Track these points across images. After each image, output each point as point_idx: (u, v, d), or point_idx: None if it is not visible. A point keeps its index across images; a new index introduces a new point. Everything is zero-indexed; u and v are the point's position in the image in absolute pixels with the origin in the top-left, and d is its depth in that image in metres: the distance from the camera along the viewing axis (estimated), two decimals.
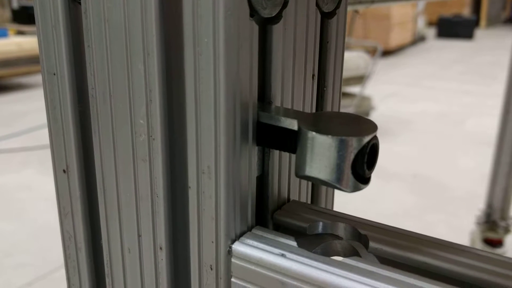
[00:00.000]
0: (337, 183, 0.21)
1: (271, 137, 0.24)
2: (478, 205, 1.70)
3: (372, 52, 3.82)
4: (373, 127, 0.22)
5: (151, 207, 0.25)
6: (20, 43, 3.77)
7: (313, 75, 0.28)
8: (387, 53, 5.18)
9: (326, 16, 0.28)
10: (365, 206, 1.91)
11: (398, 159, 2.45)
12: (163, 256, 0.26)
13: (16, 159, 2.39)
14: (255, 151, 0.24)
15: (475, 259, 0.23)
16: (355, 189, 0.21)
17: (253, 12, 0.22)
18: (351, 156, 0.21)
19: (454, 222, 1.84)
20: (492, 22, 8.08)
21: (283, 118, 0.23)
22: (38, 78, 3.92)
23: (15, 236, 1.69)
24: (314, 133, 0.21)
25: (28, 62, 3.71)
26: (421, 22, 6.25)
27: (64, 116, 0.28)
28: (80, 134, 0.28)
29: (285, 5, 0.24)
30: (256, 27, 0.23)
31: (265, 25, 0.24)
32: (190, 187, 0.23)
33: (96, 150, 0.27)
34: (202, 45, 0.21)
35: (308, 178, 0.22)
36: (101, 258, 0.29)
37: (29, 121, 2.82)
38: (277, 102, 0.25)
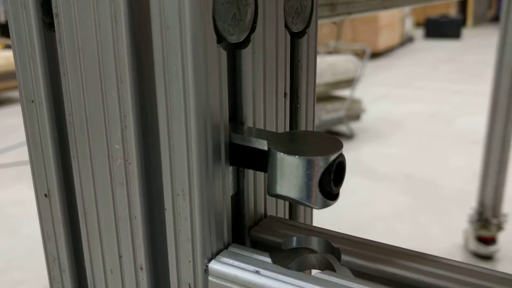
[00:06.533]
0: (307, 200, 0.22)
1: (243, 157, 0.25)
2: (470, 203, 1.72)
3: (361, 54, 3.84)
4: (338, 145, 0.22)
5: (130, 229, 0.26)
6: (8, 57, 3.74)
7: (285, 94, 0.29)
8: (376, 55, 5.22)
9: (296, 36, 0.29)
10: (356, 209, 1.92)
11: (389, 160, 2.47)
12: (144, 276, 0.26)
13: (9, 174, 2.38)
14: (228, 171, 0.25)
15: (447, 270, 0.24)
16: (324, 205, 0.22)
17: (221, 39, 0.23)
18: (318, 175, 0.22)
19: (447, 221, 1.85)
20: (479, 21, 8.16)
21: (253, 139, 0.24)
22: None
23: (9, 252, 1.69)
24: (282, 153, 0.22)
25: None
26: (408, 23, 6.30)
27: (44, 141, 0.28)
28: (59, 159, 0.28)
29: (253, 29, 0.25)
30: (224, 53, 0.23)
31: (234, 50, 0.25)
32: (166, 209, 0.24)
33: (75, 175, 0.27)
34: (172, 73, 0.22)
35: (280, 197, 0.23)
36: (85, 279, 0.30)
37: (20, 136, 2.81)
38: (249, 122, 0.26)
